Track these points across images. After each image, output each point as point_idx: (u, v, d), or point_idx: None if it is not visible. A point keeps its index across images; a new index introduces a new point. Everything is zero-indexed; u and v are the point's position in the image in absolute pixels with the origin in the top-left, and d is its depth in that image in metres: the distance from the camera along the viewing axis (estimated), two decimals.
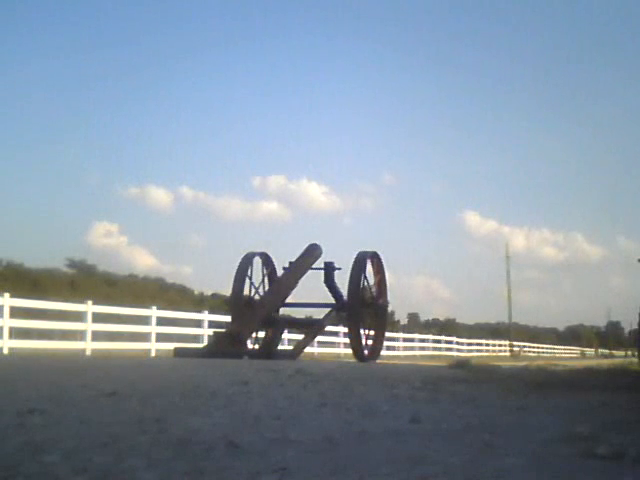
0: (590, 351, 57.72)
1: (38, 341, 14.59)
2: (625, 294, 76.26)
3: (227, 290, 11.56)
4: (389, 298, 11.51)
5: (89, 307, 14.60)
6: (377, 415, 3.42)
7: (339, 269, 11.09)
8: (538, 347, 50.42)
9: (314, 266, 11.32)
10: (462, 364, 8.07)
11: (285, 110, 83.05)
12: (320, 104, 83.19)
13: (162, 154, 74.42)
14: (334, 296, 11.02)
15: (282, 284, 11.05)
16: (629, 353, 32.16)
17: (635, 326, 8.91)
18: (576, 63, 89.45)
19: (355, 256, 10.68)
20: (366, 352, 10.60)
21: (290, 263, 11.21)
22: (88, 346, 14.31)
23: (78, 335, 15.02)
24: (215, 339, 10.21)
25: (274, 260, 11.47)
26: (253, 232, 71.08)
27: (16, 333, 14.45)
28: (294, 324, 12.46)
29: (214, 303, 34.89)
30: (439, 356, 27.73)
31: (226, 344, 9.49)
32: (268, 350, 9.97)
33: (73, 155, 68.71)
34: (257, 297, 10.82)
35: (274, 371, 5.83)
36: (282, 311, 11.39)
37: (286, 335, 15.84)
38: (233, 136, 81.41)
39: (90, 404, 3.48)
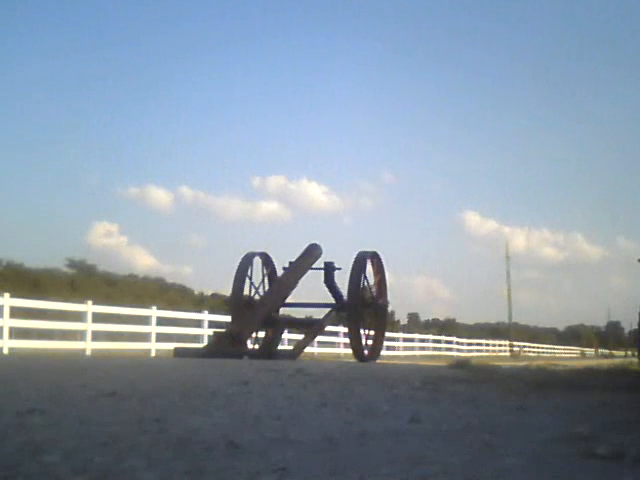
0: (590, 351, 57.71)
1: (38, 341, 14.60)
2: (625, 294, 76.38)
3: (227, 290, 11.57)
4: (389, 298, 11.52)
5: (89, 307, 14.60)
6: (377, 415, 3.41)
7: (339, 269, 11.10)
8: (538, 347, 50.42)
9: (314, 266, 11.32)
10: (462, 364, 8.07)
11: (285, 110, 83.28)
12: (320, 104, 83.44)
13: (162, 154, 74.62)
14: (334, 296, 11.02)
15: (282, 284, 11.05)
16: (629, 353, 32.16)
17: (635, 326, 8.91)
18: (576, 62, 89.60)
19: (355, 256, 10.68)
20: (366, 352, 10.60)
21: (290, 263, 11.21)
22: (88, 346, 14.32)
23: (78, 335, 15.02)
24: (215, 339, 10.21)
25: (274, 260, 11.48)
26: (253, 232, 71.22)
27: (16, 333, 14.46)
28: (294, 324, 12.47)
29: (214, 303, 34.92)
30: (439, 356, 27.72)
31: (226, 344, 9.49)
32: (268, 350, 9.97)
33: (73, 155, 68.91)
34: (257, 297, 10.82)
35: (274, 371, 5.83)
36: (282, 311, 11.39)
37: (286, 335, 15.85)
38: (233, 136, 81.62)
39: (90, 404, 3.48)
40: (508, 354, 41.15)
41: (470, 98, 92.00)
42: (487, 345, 43.54)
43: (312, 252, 11.44)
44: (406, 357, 26.81)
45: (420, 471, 2.11)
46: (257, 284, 10.95)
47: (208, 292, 47.93)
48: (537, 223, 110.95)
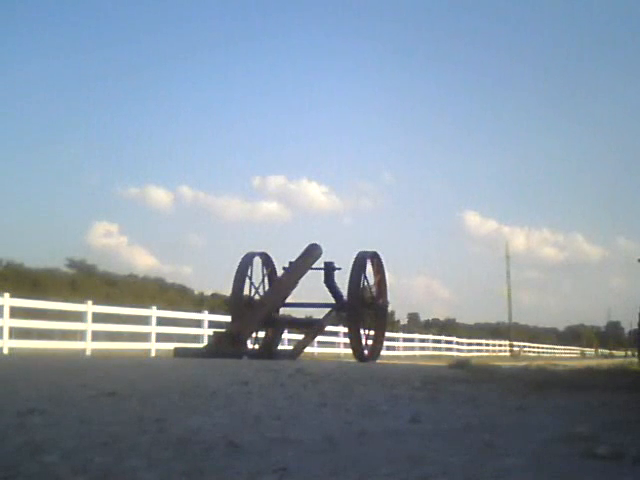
0: (590, 351, 57.67)
1: (38, 341, 14.60)
2: (625, 294, 76.35)
3: (227, 290, 11.58)
4: (389, 298, 11.52)
5: (89, 307, 14.60)
6: (377, 415, 3.41)
7: (339, 269, 11.10)
8: (538, 347, 50.43)
9: (314, 266, 11.32)
10: (462, 364, 8.06)
11: (285, 110, 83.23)
12: (320, 104, 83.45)
13: (162, 154, 74.58)
14: (334, 296, 11.02)
15: (282, 284, 11.05)
16: (629, 353, 32.13)
17: (635, 326, 8.91)
18: (576, 62, 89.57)
19: (355, 256, 10.68)
20: (366, 352, 10.60)
21: (290, 263, 11.21)
22: (88, 346, 14.32)
23: (78, 335, 15.03)
24: (215, 339, 10.21)
25: (274, 260, 11.48)
26: (253, 232, 71.17)
27: (16, 333, 14.45)
28: (294, 324, 12.46)
29: (214, 303, 34.92)
30: (439, 356, 27.72)
31: (226, 344, 9.49)
32: (268, 350, 9.97)
33: (73, 155, 68.89)
34: (257, 297, 10.82)
35: (274, 371, 5.83)
36: (282, 311, 11.39)
37: (286, 335, 15.84)
38: (233, 136, 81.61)
39: (90, 404, 3.48)
40: (508, 354, 41.14)
41: (470, 98, 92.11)
42: (487, 345, 43.54)
43: (312, 252, 11.44)
44: (406, 357, 26.81)
45: (420, 471, 2.11)
46: (257, 284, 10.95)
47: (208, 292, 47.96)
48: (537, 223, 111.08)
